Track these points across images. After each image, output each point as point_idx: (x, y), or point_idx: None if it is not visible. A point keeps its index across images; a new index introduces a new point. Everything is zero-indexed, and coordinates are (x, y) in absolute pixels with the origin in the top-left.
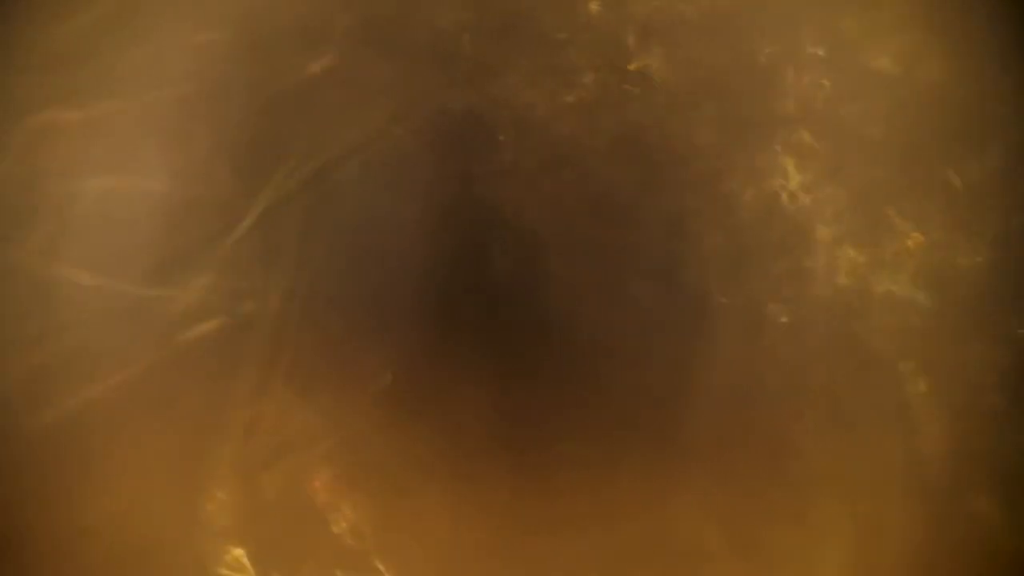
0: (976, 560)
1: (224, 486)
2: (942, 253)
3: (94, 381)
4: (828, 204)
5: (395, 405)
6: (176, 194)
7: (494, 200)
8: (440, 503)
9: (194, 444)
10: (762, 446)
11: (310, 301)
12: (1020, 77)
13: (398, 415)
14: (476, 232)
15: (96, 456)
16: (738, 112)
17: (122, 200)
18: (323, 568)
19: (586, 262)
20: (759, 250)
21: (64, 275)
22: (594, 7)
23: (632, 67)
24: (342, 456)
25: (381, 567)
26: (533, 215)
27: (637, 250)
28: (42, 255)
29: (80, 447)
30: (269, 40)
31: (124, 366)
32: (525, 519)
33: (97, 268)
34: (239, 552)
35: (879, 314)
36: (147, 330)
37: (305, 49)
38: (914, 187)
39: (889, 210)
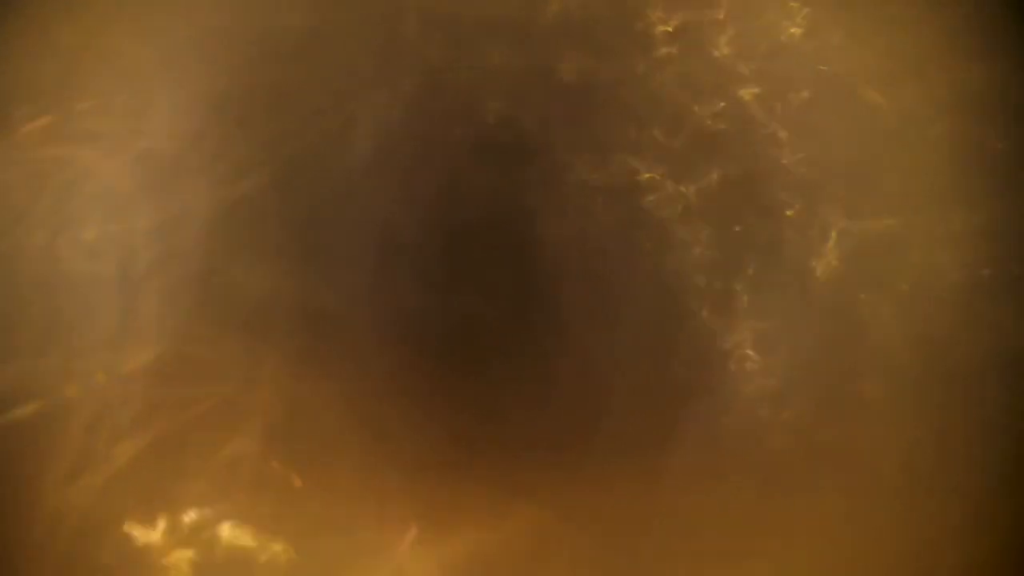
0: None
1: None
2: (800, 253)
3: None
4: (680, 201)
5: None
6: None
7: (349, 201)
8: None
9: (6, 533)
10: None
11: (142, 371)
12: (898, 81)
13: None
14: (332, 233)
15: None
16: (590, 109)
17: None
18: None
19: (442, 259)
20: (609, 250)
21: None
22: (446, 5)
23: (486, 65)
24: (183, 528)
25: None
26: (390, 215)
27: (493, 246)
28: None
29: None
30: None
31: None
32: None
33: None
34: None
35: (742, 319)
36: None
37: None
38: (766, 182)
39: (746, 208)
